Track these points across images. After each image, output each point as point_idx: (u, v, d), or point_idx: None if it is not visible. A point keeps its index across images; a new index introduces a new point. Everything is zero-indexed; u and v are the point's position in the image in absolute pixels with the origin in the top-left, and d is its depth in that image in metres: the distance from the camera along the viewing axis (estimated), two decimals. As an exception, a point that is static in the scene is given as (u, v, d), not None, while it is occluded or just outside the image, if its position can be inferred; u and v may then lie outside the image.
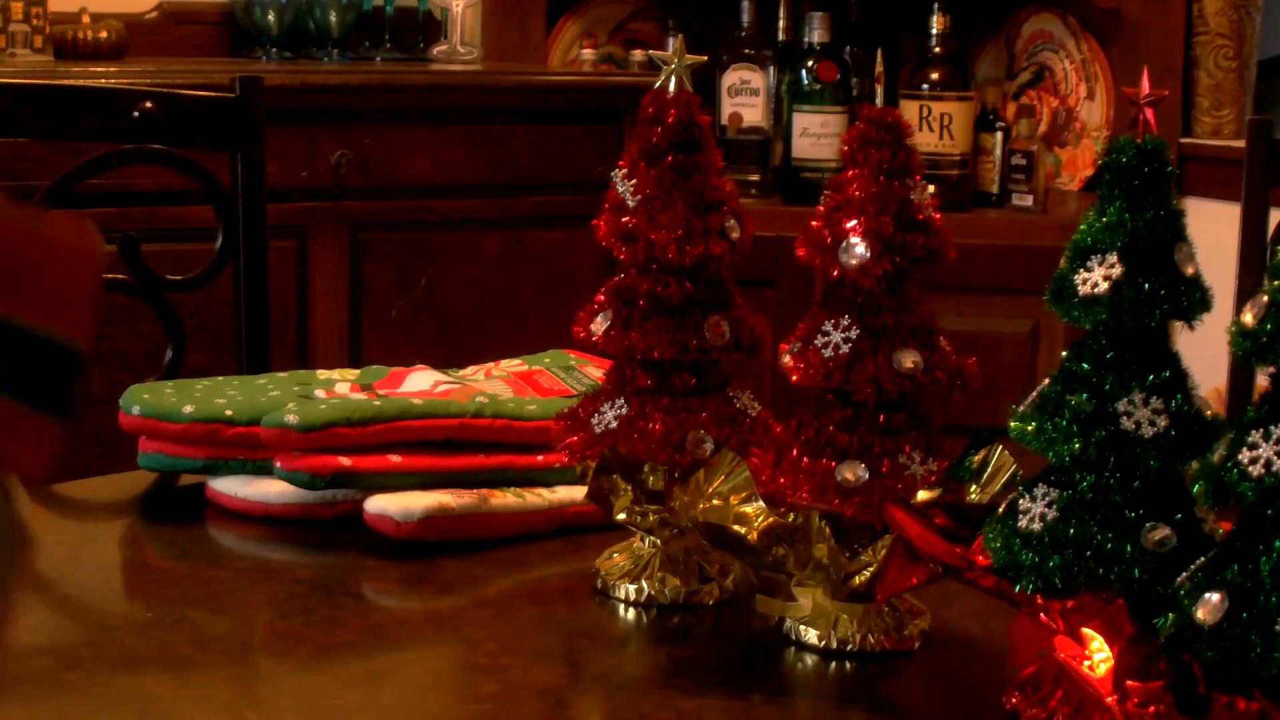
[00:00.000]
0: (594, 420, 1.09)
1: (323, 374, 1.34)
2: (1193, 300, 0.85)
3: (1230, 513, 0.83)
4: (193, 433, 1.24)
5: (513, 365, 1.38)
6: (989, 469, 1.00)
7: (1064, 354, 0.87)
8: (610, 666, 1.03)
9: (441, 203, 2.58)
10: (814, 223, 1.00)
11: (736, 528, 1.00)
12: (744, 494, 1.00)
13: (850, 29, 3.01)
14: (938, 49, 2.93)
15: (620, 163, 1.08)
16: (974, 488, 1.00)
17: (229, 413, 1.24)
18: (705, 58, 1.12)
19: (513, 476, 1.22)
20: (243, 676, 1.00)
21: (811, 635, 1.01)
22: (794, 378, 1.00)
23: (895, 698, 0.99)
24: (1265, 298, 0.80)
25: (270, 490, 1.22)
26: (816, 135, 2.93)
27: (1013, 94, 3.08)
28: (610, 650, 1.06)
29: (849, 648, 1.00)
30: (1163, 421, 0.84)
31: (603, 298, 1.09)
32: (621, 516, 1.09)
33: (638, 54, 3.07)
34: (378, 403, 1.21)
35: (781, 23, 3.06)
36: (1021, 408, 0.88)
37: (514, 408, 1.24)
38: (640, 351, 1.06)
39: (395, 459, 1.19)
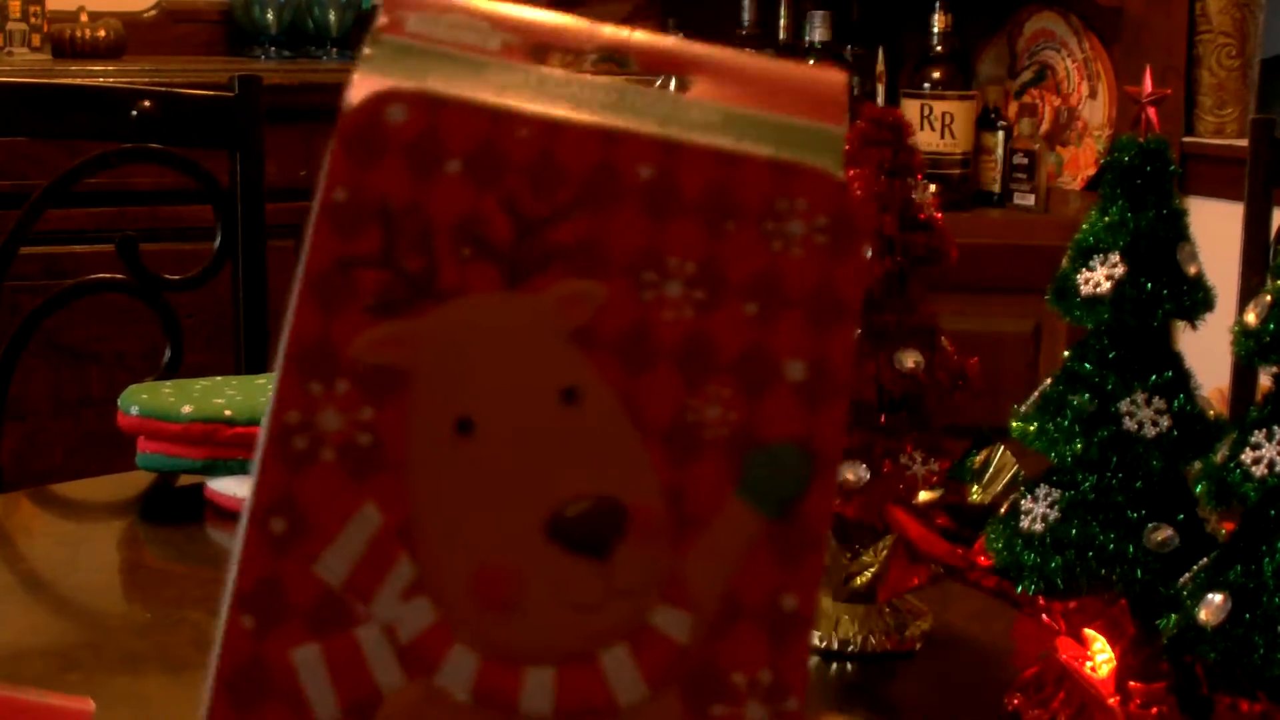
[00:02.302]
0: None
1: (322, 374, 1.33)
2: (1195, 300, 0.85)
3: (1233, 513, 0.83)
4: (191, 433, 1.23)
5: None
6: (991, 469, 1.00)
7: (1066, 354, 0.87)
8: (610, 668, 1.03)
9: (442, 202, 2.58)
10: (814, 222, 1.00)
11: (737, 528, 1.00)
12: (744, 494, 1.00)
13: (851, 28, 3.01)
14: (939, 48, 2.93)
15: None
16: (976, 488, 1.00)
17: (228, 413, 1.24)
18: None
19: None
20: (241, 678, 1.00)
21: (812, 636, 1.01)
22: (794, 377, 1.00)
23: (896, 699, 0.99)
24: (1268, 297, 0.80)
25: (269, 490, 1.21)
26: (817, 134, 2.93)
27: (1015, 93, 3.08)
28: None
29: (850, 649, 1.00)
30: (1165, 422, 0.84)
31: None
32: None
33: (638, 53, 3.07)
34: (377, 403, 1.21)
35: (782, 21, 3.06)
36: (1023, 408, 0.88)
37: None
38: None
39: (394, 459, 1.19)
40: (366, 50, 0.33)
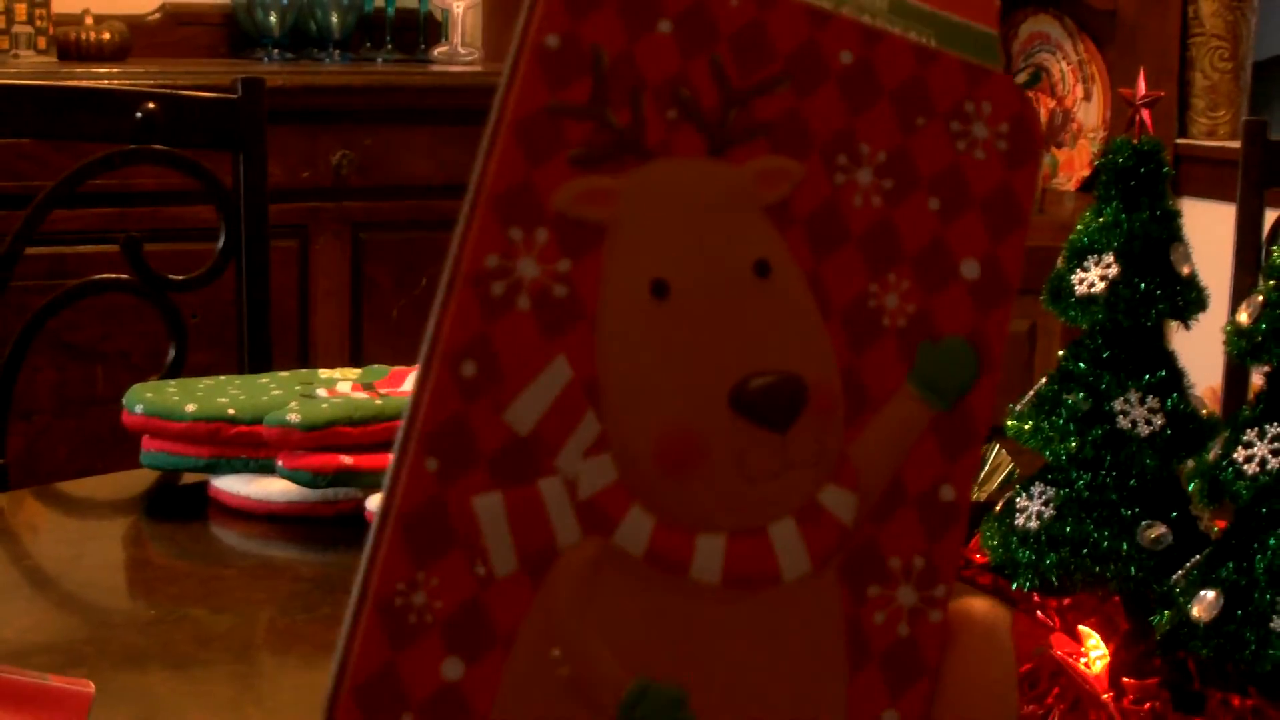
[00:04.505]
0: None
1: (324, 373, 1.34)
2: (1188, 300, 0.85)
3: (1225, 511, 0.84)
4: (195, 431, 1.24)
5: (513, 365, 1.38)
6: (986, 467, 1.01)
7: (1061, 353, 0.88)
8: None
9: (442, 203, 2.59)
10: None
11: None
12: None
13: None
14: (936, 50, 2.93)
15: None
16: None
17: (231, 411, 1.24)
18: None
19: (513, 475, 1.22)
20: (245, 674, 1.00)
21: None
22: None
23: (893, 695, 0.99)
24: (1260, 297, 0.81)
25: (272, 489, 1.22)
26: (816, 136, 2.93)
27: (1011, 95, 3.08)
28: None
29: (847, 645, 1.01)
30: (1159, 420, 0.85)
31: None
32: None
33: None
34: (379, 402, 1.22)
35: (781, 24, 3.07)
36: (1019, 406, 0.88)
37: (515, 407, 1.25)
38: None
39: (397, 458, 1.20)
40: None
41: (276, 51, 2.80)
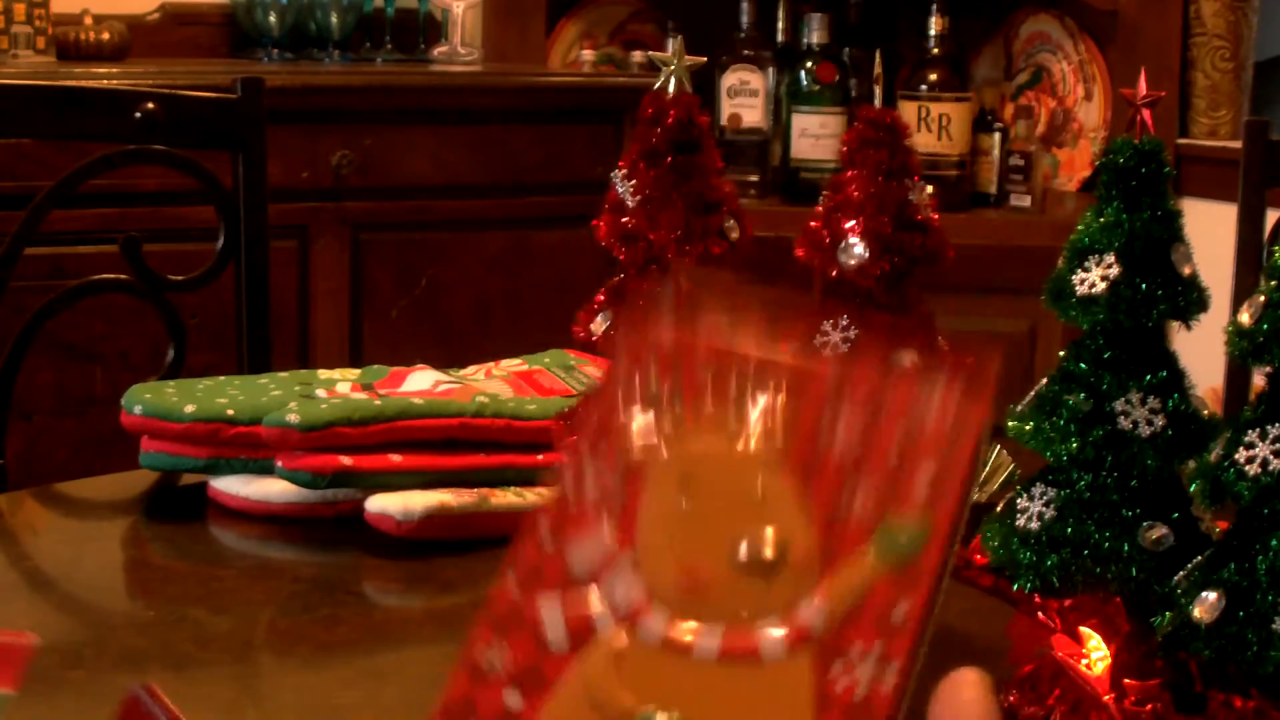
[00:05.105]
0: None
1: (324, 374, 1.34)
2: (1190, 300, 0.85)
3: (1227, 512, 0.84)
4: (194, 432, 1.24)
5: (513, 365, 1.39)
6: (987, 468, 1.01)
7: (1061, 354, 0.88)
8: (610, 665, 1.03)
9: (442, 203, 2.59)
10: (813, 223, 1.01)
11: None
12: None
13: (849, 30, 3.02)
14: (936, 50, 2.93)
15: (620, 163, 1.09)
16: (972, 487, 1.00)
17: (230, 412, 1.24)
18: (704, 59, 1.12)
19: (513, 476, 1.22)
20: (244, 675, 1.00)
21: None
22: (793, 377, 1.00)
23: (894, 696, 0.99)
24: (1262, 297, 0.81)
25: (271, 489, 1.22)
26: (815, 136, 2.94)
27: (1011, 95, 3.08)
28: (610, 649, 1.07)
29: (848, 646, 1.01)
30: (1160, 421, 0.85)
31: (603, 298, 1.10)
32: (622, 515, 1.09)
33: (637, 55, 3.07)
34: (378, 402, 1.22)
35: (780, 24, 3.07)
36: (1019, 407, 0.88)
37: (514, 407, 1.25)
38: (640, 351, 1.06)
39: (396, 458, 1.20)
40: None
41: (276, 51, 2.80)
